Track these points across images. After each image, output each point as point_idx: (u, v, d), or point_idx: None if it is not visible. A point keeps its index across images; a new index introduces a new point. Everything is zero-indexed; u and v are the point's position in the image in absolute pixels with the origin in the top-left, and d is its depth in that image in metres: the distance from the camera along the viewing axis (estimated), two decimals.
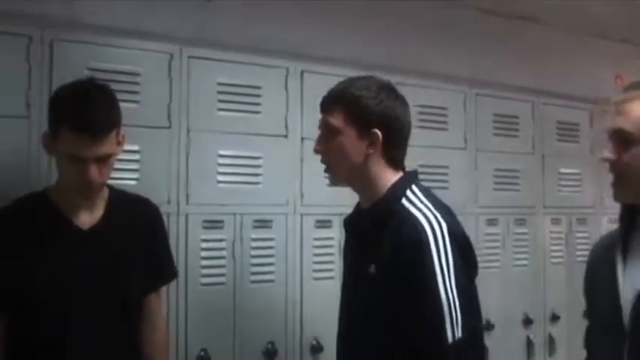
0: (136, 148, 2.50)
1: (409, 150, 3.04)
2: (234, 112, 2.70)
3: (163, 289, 2.32)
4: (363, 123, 1.86)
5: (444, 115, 3.33)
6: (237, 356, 2.63)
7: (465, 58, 3.41)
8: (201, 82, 2.64)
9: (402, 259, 1.73)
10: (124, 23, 2.57)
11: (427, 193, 1.89)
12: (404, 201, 1.83)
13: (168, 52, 2.60)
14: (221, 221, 2.64)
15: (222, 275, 2.64)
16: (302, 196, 2.80)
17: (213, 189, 2.64)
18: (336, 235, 2.88)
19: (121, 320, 2.07)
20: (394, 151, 1.91)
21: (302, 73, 2.87)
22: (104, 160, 1.94)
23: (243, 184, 2.71)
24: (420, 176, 3.05)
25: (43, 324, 1.97)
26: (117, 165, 2.35)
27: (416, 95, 3.15)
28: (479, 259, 3.22)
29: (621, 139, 1.57)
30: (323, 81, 2.82)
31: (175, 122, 2.59)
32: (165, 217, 2.47)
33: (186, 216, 2.59)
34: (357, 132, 1.86)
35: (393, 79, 3.03)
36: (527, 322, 3.50)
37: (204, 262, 2.61)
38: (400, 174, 1.92)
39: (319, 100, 2.80)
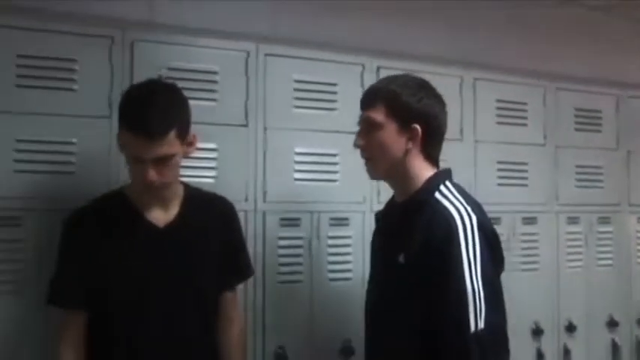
0: (213, 146, 2.53)
1: (486, 146, 3.06)
2: (310, 110, 2.70)
3: (240, 286, 2.33)
4: (404, 118, 1.93)
5: (524, 111, 3.24)
6: (314, 354, 2.62)
7: (544, 52, 3.32)
8: (278, 80, 2.64)
9: (432, 248, 1.79)
10: (201, 23, 2.60)
11: (460, 189, 1.95)
12: (437, 194, 1.89)
13: (244, 50, 2.61)
14: (298, 219, 2.64)
15: (300, 273, 2.63)
16: (379, 193, 2.76)
17: (290, 186, 2.63)
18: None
19: (196, 317, 2.08)
20: (431, 147, 1.98)
21: (378, 69, 2.84)
22: (164, 161, 1.93)
23: (319, 181, 2.70)
24: (498, 173, 3.06)
25: (120, 321, 2.00)
26: (195, 163, 2.43)
27: (494, 90, 3.12)
28: (560, 258, 3.22)
29: None
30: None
31: (252, 120, 2.59)
32: (242, 215, 2.50)
33: (264, 213, 2.59)
34: (397, 126, 1.93)
35: (471, 74, 3.05)
36: (613, 324, 3.38)
37: (282, 260, 2.61)
38: (435, 170, 1.99)
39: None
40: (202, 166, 2.50)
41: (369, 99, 2.01)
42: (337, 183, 2.73)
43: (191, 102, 2.40)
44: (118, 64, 2.40)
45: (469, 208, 1.84)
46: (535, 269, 3.20)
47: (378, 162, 1.98)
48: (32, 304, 2.18)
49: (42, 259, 2.18)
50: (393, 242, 1.99)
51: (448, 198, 1.88)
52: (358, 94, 2.09)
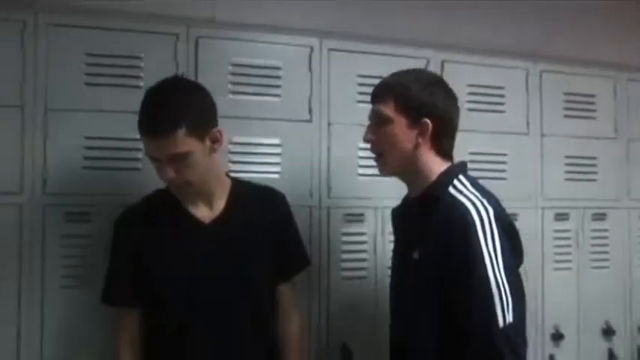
0: (277, 141, 2.53)
1: (555, 140, 2.97)
2: None
3: (298, 280, 2.29)
4: (414, 112, 1.90)
5: (592, 103, 3.13)
6: (379, 349, 2.58)
7: (614, 42, 3.21)
8: (342, 75, 2.62)
9: (452, 245, 1.75)
10: (264, 19, 2.62)
11: (474, 182, 1.91)
12: (451, 189, 1.85)
13: (308, 45, 2.60)
14: (362, 214, 2.62)
15: (364, 269, 2.61)
16: None
17: (354, 182, 2.61)
18: None
19: (249, 311, 2.06)
20: (443, 141, 1.94)
21: (442, 63, 2.79)
22: (179, 160, 1.91)
23: (383, 177, 2.65)
24: (568, 167, 2.98)
25: (171, 318, 2.02)
26: (259, 159, 2.45)
27: (561, 82, 3.03)
28: (633, 255, 3.10)
29: None
30: (464, 71, 2.80)
31: (316, 115, 2.58)
32: (307, 211, 2.52)
33: (328, 209, 2.58)
34: (407, 121, 1.91)
35: (538, 66, 2.97)
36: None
37: (345, 256, 2.59)
38: (448, 164, 1.95)
39: (458, 90, 2.78)
40: (267, 161, 2.51)
41: (380, 93, 1.98)
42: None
43: (255, 98, 2.48)
44: (183, 61, 2.43)
45: (485, 201, 1.80)
46: (605, 267, 3.09)
47: (388, 157, 1.96)
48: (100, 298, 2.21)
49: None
50: (408, 238, 1.98)
51: (462, 192, 1.83)
52: None
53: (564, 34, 3.13)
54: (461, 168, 1.95)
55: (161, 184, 2.05)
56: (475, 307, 1.70)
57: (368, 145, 2.57)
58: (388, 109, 1.92)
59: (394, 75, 2.02)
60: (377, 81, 2.61)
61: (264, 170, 2.49)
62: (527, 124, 2.97)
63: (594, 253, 3.08)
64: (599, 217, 3.10)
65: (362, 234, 2.61)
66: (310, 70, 2.59)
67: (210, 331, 2.01)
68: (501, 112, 2.91)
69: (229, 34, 2.52)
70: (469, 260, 1.71)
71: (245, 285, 2.05)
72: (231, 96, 2.49)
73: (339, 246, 2.59)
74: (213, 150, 2.01)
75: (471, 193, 1.83)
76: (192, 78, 2.38)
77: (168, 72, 2.33)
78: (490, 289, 1.68)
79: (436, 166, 1.92)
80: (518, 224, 2.71)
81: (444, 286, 1.76)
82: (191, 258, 2.01)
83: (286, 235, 2.21)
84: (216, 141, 2.01)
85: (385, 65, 2.65)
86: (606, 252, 3.10)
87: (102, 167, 2.30)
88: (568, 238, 3.02)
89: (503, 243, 1.74)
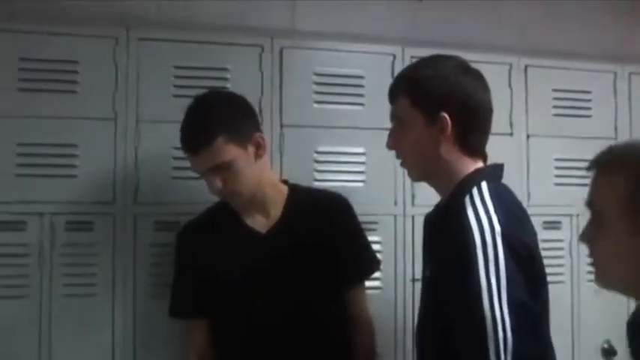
0: (361, 150, 2.54)
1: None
2: None
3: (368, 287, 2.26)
4: (429, 107, 1.63)
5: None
6: None
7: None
8: None
9: (449, 268, 1.52)
10: (345, 28, 2.64)
11: (498, 191, 1.61)
12: (467, 198, 1.56)
13: (390, 53, 2.60)
14: None
15: None
16: (529, 195, 2.66)
17: None
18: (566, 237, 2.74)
19: (311, 319, 2.03)
20: (469, 135, 1.65)
21: (526, 68, 2.75)
22: (223, 170, 1.92)
23: None
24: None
25: (235, 327, 2.04)
26: (343, 168, 2.47)
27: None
28: None
29: None
30: (549, 75, 2.75)
31: None
32: (391, 219, 2.51)
33: (412, 217, 2.55)
34: (423, 118, 1.64)
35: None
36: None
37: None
38: (478, 163, 1.67)
39: (545, 96, 2.72)
40: (351, 170, 2.52)
41: (393, 92, 1.75)
42: None
43: (338, 107, 2.49)
44: (268, 72, 2.46)
45: (494, 218, 1.50)
46: None
47: (412, 161, 1.73)
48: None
49: None
50: (425, 254, 1.83)
51: (474, 204, 1.54)
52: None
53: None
54: (489, 172, 1.67)
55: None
56: (465, 344, 1.47)
57: None
58: (402, 108, 1.69)
59: (407, 68, 1.81)
60: None
61: (348, 179, 2.50)
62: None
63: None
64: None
65: None
66: (393, 77, 2.57)
67: (272, 340, 2.00)
68: (588, 116, 2.83)
69: (312, 44, 2.55)
70: (463, 290, 1.46)
71: (304, 294, 2.03)
72: (315, 105, 2.51)
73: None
74: (258, 156, 2.01)
75: (483, 206, 1.54)
76: (277, 88, 2.43)
77: (254, 83, 2.40)
78: (484, 325, 1.41)
79: (464, 166, 1.65)
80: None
81: (443, 310, 1.56)
82: (248, 268, 2.01)
83: (348, 239, 2.15)
84: (259, 147, 2.01)
85: None
86: None
87: (190, 177, 2.33)
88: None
89: (510, 270, 1.45)
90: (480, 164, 1.68)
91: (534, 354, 1.48)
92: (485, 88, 1.69)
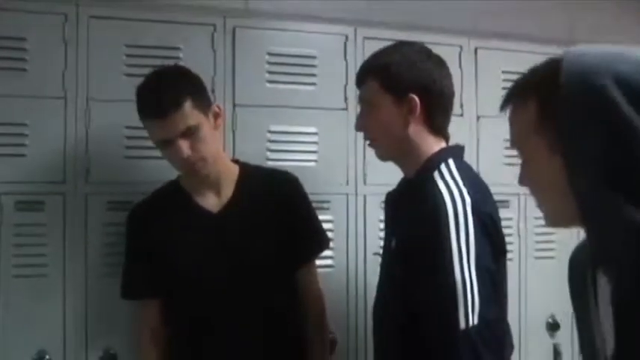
0: (313, 130, 2.56)
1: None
2: None
3: (319, 266, 2.29)
4: (398, 89, 1.75)
5: None
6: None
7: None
8: None
9: (420, 235, 1.63)
10: (298, 8, 2.62)
11: (463, 168, 1.76)
12: (435, 173, 1.70)
13: (343, 33, 2.62)
14: None
15: None
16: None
17: (390, 169, 2.59)
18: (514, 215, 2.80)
19: (266, 297, 2.05)
20: (436, 116, 1.79)
21: (476, 50, 2.80)
22: (190, 135, 1.93)
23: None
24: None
25: (188, 306, 2.05)
26: (296, 147, 2.47)
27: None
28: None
29: None
30: (499, 57, 2.80)
31: (352, 103, 2.58)
32: (343, 198, 2.54)
33: (364, 197, 2.59)
34: (393, 100, 1.76)
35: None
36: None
37: (382, 242, 2.60)
38: (443, 143, 1.81)
39: (494, 77, 2.76)
40: (303, 150, 2.54)
41: (361, 76, 1.86)
42: None
43: (291, 87, 2.51)
44: (220, 51, 2.46)
45: (464, 191, 1.64)
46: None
47: (381, 141, 1.84)
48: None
49: None
50: (390, 226, 1.91)
51: (445, 179, 1.68)
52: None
53: (599, 17, 3.07)
54: (452, 151, 1.81)
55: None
56: (436, 305, 1.58)
57: None
58: (371, 92, 1.80)
59: (374, 54, 1.88)
60: None
61: (300, 159, 2.51)
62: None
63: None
64: None
65: None
66: (345, 58, 2.61)
67: (224, 319, 2.02)
68: None
69: (265, 23, 2.55)
70: (436, 254, 1.58)
71: (256, 270, 2.04)
72: (267, 85, 2.52)
73: (377, 232, 2.58)
74: (216, 126, 2.05)
75: (453, 181, 1.68)
76: (230, 68, 2.43)
77: (206, 62, 2.40)
78: (455, 287, 1.54)
79: (429, 145, 1.78)
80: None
81: (409, 279, 1.66)
82: (201, 247, 2.03)
83: (299, 217, 2.17)
84: (217, 116, 2.05)
85: None
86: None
87: (143, 156, 2.33)
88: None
89: (478, 238, 1.59)
90: (443, 144, 1.81)
91: (495, 316, 1.61)
92: (448, 73, 1.83)
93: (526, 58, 2.71)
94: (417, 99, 1.74)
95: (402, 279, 1.70)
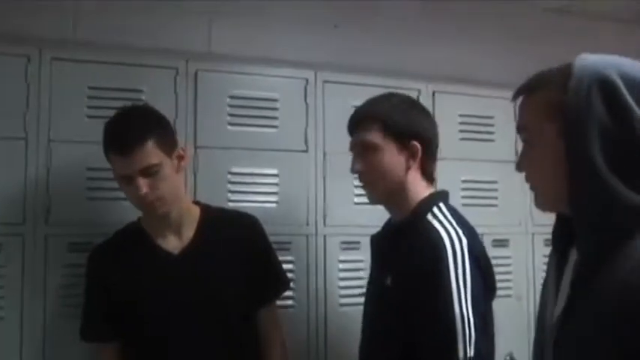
0: (274, 171, 2.59)
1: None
2: None
3: (301, 306, 2.35)
4: (401, 136, 1.87)
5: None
6: None
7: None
8: (336, 106, 2.68)
9: (421, 273, 1.73)
10: (260, 52, 2.68)
11: (453, 211, 1.88)
12: (429, 215, 1.82)
13: (303, 77, 2.68)
14: (358, 242, 2.66)
15: (361, 296, 2.63)
16: None
17: (350, 210, 2.66)
18: None
19: (227, 339, 2.05)
20: (429, 163, 1.93)
21: (434, 93, 2.87)
22: (151, 173, 1.94)
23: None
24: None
25: (146, 351, 2.04)
26: (256, 189, 2.51)
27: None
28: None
29: None
30: (456, 101, 2.87)
31: (312, 145, 2.65)
32: (304, 239, 2.57)
33: (324, 237, 2.63)
34: (396, 145, 1.88)
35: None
36: None
37: (342, 283, 2.64)
38: (431, 189, 1.94)
39: (451, 120, 2.83)
40: (264, 191, 2.57)
41: (362, 121, 1.94)
42: None
43: (252, 129, 2.55)
44: (183, 93, 2.49)
45: (460, 231, 1.76)
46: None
47: (378, 184, 1.92)
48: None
49: None
50: (383, 265, 1.96)
51: (439, 220, 1.80)
52: None
53: (555, 63, 3.17)
54: (443, 196, 1.93)
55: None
56: (437, 338, 1.68)
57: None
58: (375, 137, 1.88)
59: (373, 102, 1.98)
60: None
61: (261, 200, 2.54)
62: (516, 152, 2.95)
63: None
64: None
65: (359, 261, 2.65)
66: (306, 101, 2.66)
67: None
68: (491, 140, 2.97)
69: (227, 67, 2.59)
70: (436, 289, 1.68)
71: (218, 313, 2.04)
72: (229, 127, 2.55)
73: (337, 273, 2.64)
74: (180, 168, 2.07)
75: (448, 221, 1.80)
76: (192, 110, 2.46)
77: (169, 104, 2.42)
78: (454, 320, 1.65)
79: (422, 190, 1.90)
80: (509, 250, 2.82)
81: (408, 313, 1.74)
82: (162, 290, 2.02)
83: (261, 259, 2.19)
84: (181, 158, 2.07)
85: None
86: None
87: (105, 198, 2.33)
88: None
89: (474, 276, 1.70)
90: (432, 188, 1.94)
91: (488, 349, 1.74)
92: (434, 121, 1.99)
93: (482, 102, 2.89)
94: (418, 145, 1.87)
95: (400, 313, 1.77)
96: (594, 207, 1.17)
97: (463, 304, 1.66)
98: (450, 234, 1.75)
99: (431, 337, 1.70)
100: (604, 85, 1.18)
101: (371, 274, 2.10)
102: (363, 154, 1.93)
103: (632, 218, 1.15)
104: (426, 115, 1.97)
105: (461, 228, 1.78)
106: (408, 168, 1.88)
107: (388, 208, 1.99)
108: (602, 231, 1.17)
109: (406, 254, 1.81)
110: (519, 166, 1.36)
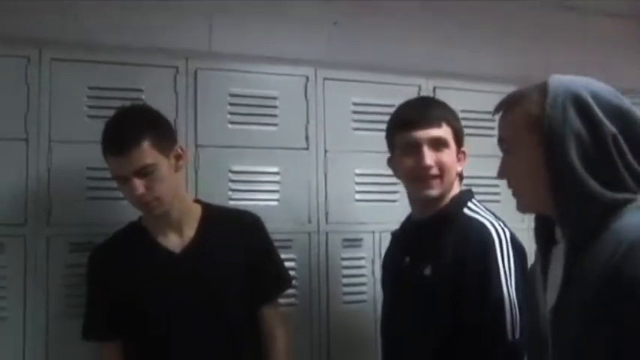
0: (275, 169, 2.59)
1: None
2: (369, 132, 2.69)
3: (304, 304, 2.35)
4: (460, 140, 2.02)
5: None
6: None
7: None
8: (337, 103, 2.69)
9: (470, 261, 1.81)
10: (260, 50, 2.68)
11: (486, 207, 1.98)
12: (466, 210, 1.93)
13: (303, 74, 2.68)
14: (360, 239, 2.67)
15: (363, 293, 2.65)
16: None
17: (352, 207, 2.67)
18: None
19: (229, 337, 2.05)
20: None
21: (434, 89, 2.87)
22: (147, 174, 1.94)
23: (381, 201, 2.71)
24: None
25: (149, 349, 2.04)
26: (258, 187, 2.50)
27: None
28: None
29: None
30: (457, 97, 2.86)
31: (313, 143, 2.65)
32: (305, 237, 2.57)
33: (327, 235, 2.63)
34: (456, 148, 2.01)
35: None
36: None
37: (345, 280, 2.63)
38: (461, 186, 2.05)
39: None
40: (265, 189, 2.57)
41: (436, 118, 2.00)
42: (397, 203, 2.72)
43: (253, 127, 2.54)
44: (183, 92, 2.49)
45: (502, 223, 1.88)
46: None
47: (446, 180, 1.98)
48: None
49: None
50: (416, 258, 1.98)
51: (480, 214, 1.91)
52: None
53: (556, 58, 3.16)
54: (471, 193, 2.03)
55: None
56: (487, 320, 1.76)
57: (365, 171, 2.66)
58: (447, 135, 1.99)
59: (435, 103, 2.12)
60: (371, 108, 2.70)
61: (263, 198, 2.55)
62: None
63: None
64: None
65: (361, 258, 2.65)
66: (306, 98, 2.66)
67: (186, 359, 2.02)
68: (492, 136, 2.95)
69: (227, 65, 2.59)
70: (486, 274, 1.78)
71: (220, 311, 2.04)
72: (229, 126, 2.55)
73: (339, 271, 2.63)
74: (178, 167, 2.06)
75: (489, 214, 1.92)
76: (192, 109, 2.46)
77: (169, 103, 2.42)
78: (503, 301, 1.75)
79: (456, 189, 2.02)
80: None
81: (455, 300, 1.81)
82: (163, 289, 2.02)
83: (262, 257, 2.18)
84: (179, 158, 2.06)
85: (378, 92, 2.75)
86: None
87: (106, 197, 2.34)
88: None
89: (516, 263, 1.80)
90: (461, 186, 2.05)
91: (525, 332, 1.75)
92: None
93: (483, 97, 2.88)
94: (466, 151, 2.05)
95: (443, 300, 1.84)
96: (576, 204, 1.31)
97: (511, 289, 1.76)
98: (495, 225, 1.85)
99: (481, 319, 1.77)
100: (577, 101, 1.33)
101: (389, 272, 2.17)
102: (435, 147, 1.97)
103: (607, 212, 1.29)
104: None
105: (501, 220, 1.90)
106: (459, 166, 2.03)
107: (421, 203, 2.04)
108: (583, 224, 1.32)
109: (449, 246, 1.87)
110: (501, 174, 1.48)
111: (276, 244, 2.28)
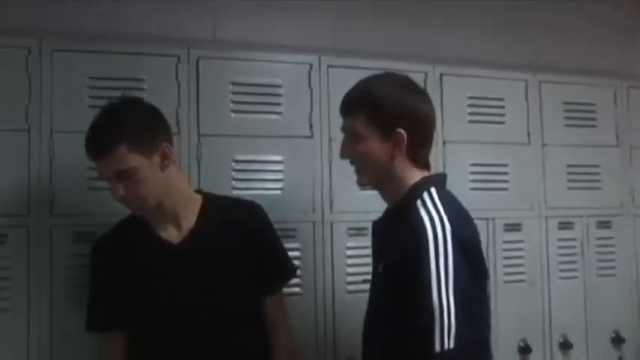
0: (279, 158, 2.57)
1: (554, 149, 2.97)
2: None
3: (308, 293, 2.34)
4: (387, 124, 1.80)
5: (593, 112, 3.15)
6: None
7: (613, 50, 3.22)
8: (341, 90, 2.61)
9: (402, 260, 1.69)
10: (263, 38, 2.65)
11: (445, 196, 1.80)
12: (418, 202, 1.76)
13: (307, 62, 2.65)
14: (365, 228, 2.58)
15: (368, 281, 2.61)
16: None
17: (357, 196, 2.62)
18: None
19: (232, 327, 2.05)
20: (420, 149, 1.85)
21: (441, 76, 2.83)
22: (127, 177, 1.93)
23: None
24: (569, 176, 2.97)
25: (152, 338, 2.04)
26: (261, 176, 2.50)
27: (560, 92, 3.04)
28: None
29: None
30: (464, 83, 2.84)
31: (317, 131, 2.62)
32: (310, 225, 2.55)
33: (331, 224, 2.61)
34: (380, 134, 1.81)
35: (536, 77, 2.99)
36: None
37: (350, 270, 2.61)
38: (425, 173, 1.86)
39: (459, 103, 2.81)
40: (269, 178, 2.55)
41: (349, 107, 1.90)
42: None
43: (256, 116, 2.52)
44: (184, 82, 2.47)
45: (445, 217, 1.69)
46: (612, 275, 3.10)
47: (366, 171, 1.89)
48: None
49: None
50: (378, 252, 1.96)
51: (426, 206, 1.73)
52: None
53: (562, 44, 3.13)
54: (436, 180, 1.86)
55: None
56: (414, 327, 1.64)
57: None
58: (360, 125, 1.83)
59: (361, 84, 1.92)
60: None
61: (266, 187, 2.53)
62: (529, 134, 2.99)
63: (600, 261, 3.08)
64: (604, 224, 3.10)
65: (365, 247, 2.61)
66: (310, 86, 2.63)
67: (190, 351, 2.01)
68: (502, 122, 2.93)
69: (229, 53, 2.57)
70: (415, 279, 1.63)
71: (221, 301, 2.03)
72: (232, 115, 2.53)
73: (344, 260, 2.61)
74: (163, 166, 2.01)
75: (435, 208, 1.73)
76: (194, 98, 2.44)
77: (171, 93, 2.41)
78: (431, 310, 1.59)
79: (412, 176, 1.84)
80: (521, 234, 2.81)
81: (395, 301, 1.71)
82: (163, 280, 2.01)
83: (265, 246, 2.17)
84: (165, 157, 2.02)
85: None
86: (612, 260, 3.10)
87: (108, 187, 2.32)
88: (573, 247, 3.02)
89: (457, 262, 1.64)
90: (426, 173, 1.87)
91: (474, 338, 1.69)
92: (431, 104, 1.90)
93: (490, 84, 2.85)
94: (404, 134, 1.79)
95: (387, 301, 1.75)
96: None
97: (443, 293, 1.60)
98: (434, 221, 1.68)
99: (409, 326, 1.65)
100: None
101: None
102: (350, 140, 1.88)
103: None
104: (421, 98, 1.88)
105: (449, 214, 1.71)
106: (393, 157, 1.82)
107: (381, 194, 1.95)
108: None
109: (394, 242, 1.77)
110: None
111: (280, 233, 2.27)
